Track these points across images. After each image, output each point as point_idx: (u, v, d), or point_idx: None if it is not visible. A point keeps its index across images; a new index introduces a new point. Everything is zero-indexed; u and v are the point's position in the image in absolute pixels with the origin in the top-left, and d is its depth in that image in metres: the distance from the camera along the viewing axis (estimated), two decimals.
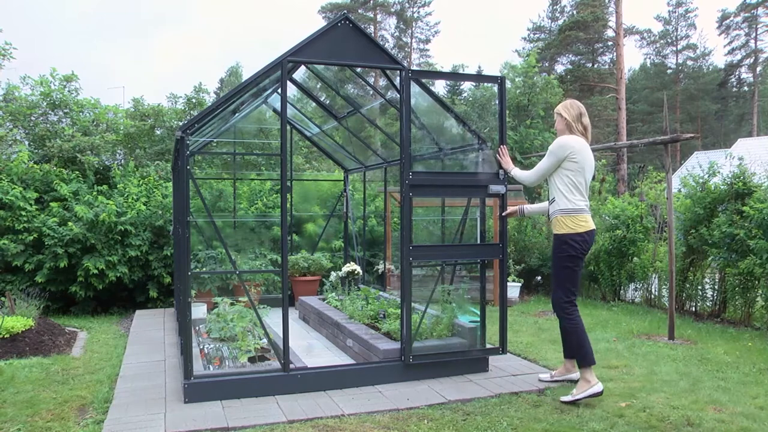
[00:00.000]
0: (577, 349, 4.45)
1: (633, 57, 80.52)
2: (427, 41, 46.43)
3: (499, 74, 4.69)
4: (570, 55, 39.08)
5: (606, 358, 5.61)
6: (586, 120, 4.58)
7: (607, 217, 9.70)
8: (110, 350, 6.08)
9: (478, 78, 4.71)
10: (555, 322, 7.61)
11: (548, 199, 4.66)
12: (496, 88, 5.95)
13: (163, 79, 66.27)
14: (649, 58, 50.49)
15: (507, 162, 4.92)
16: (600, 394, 4.30)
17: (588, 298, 9.77)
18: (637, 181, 13.83)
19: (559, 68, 38.65)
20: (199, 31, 74.56)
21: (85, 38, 70.24)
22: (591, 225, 4.45)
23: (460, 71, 42.90)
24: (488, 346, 5.19)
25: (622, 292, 9.52)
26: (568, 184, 4.43)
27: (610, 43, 35.68)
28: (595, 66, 38.76)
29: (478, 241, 5.48)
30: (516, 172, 4.86)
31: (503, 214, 4.97)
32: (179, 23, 78.85)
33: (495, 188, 4.96)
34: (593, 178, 12.28)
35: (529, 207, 5.15)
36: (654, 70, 49.40)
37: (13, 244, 7.80)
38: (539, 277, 10.61)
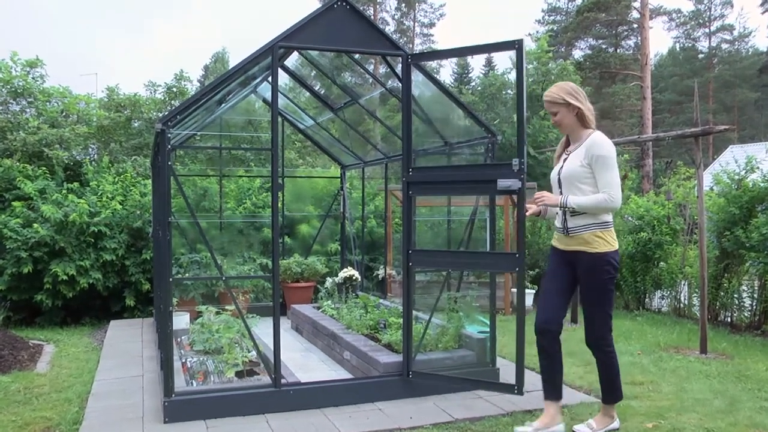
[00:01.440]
0: (614, 380, 4.16)
1: (660, 40, 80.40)
2: (431, 25, 46.50)
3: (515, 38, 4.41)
4: (589, 39, 39.12)
5: (630, 373, 5.63)
6: (590, 104, 4.14)
7: (629, 218, 9.73)
8: (81, 365, 6.10)
9: (490, 48, 4.40)
10: (570, 333, 7.65)
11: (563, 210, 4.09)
12: (513, 59, 5.91)
13: (140, 66, 66.31)
14: (679, 41, 50.44)
15: (552, 198, 4.12)
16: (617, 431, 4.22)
17: None
18: (663, 178, 13.87)
19: (577, 54, 38.71)
20: (181, 13, 74.62)
21: (51, 20, 70.24)
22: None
23: (468, 59, 42.97)
24: (498, 359, 5.22)
25: (647, 300, 9.56)
26: (592, 191, 3.96)
27: (634, 25, 35.68)
28: (618, 51, 38.79)
29: (488, 249, 5.34)
30: (579, 200, 3.97)
31: (526, 213, 4.30)
32: (159, 4, 78.93)
33: (505, 183, 4.30)
34: None
35: (579, 199, 4.21)
36: (684, 55, 49.37)
37: None
38: None
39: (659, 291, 9.43)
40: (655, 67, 45.19)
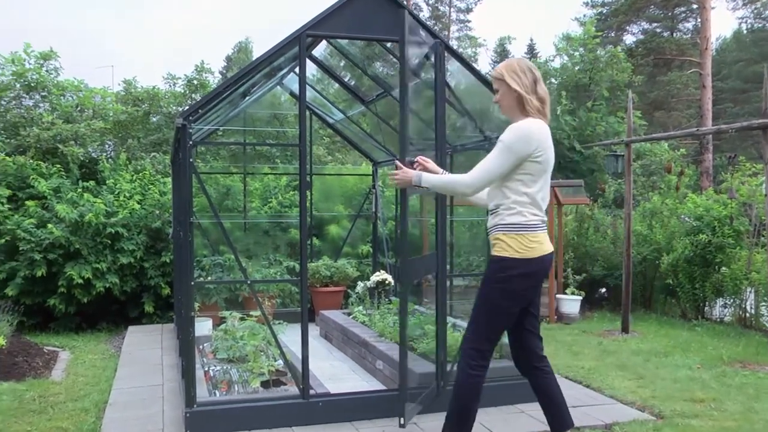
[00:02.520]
0: (453, 405, 3.86)
1: (723, 23, 78.72)
2: (468, 10, 46.32)
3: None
4: (642, 23, 38.56)
5: (688, 390, 5.56)
6: (543, 88, 3.74)
7: (686, 219, 9.61)
8: (98, 373, 6.23)
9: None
10: (623, 343, 7.60)
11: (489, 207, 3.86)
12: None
13: (158, 57, 67.24)
14: (745, 22, 49.25)
15: (406, 172, 3.91)
16: None
17: (664, 315, 9.70)
18: (725, 175, 13.66)
19: (629, 39, 38.21)
20: (201, 1, 75.49)
21: (66, 10, 71.62)
22: (547, 247, 3.70)
23: (507, 45, 42.81)
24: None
25: (706, 308, 9.42)
26: (523, 191, 3.64)
27: (693, 6, 35.06)
28: (674, 35, 38.20)
29: None
30: (432, 178, 3.86)
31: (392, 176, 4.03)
32: None
33: None
34: (668, 171, 12.18)
35: (433, 177, 3.90)
36: (751, 38, 48.23)
37: None
38: (603, 290, 10.56)
39: (721, 299, 9.28)
40: (716, 52, 44.31)
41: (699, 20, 27.79)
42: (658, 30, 38.85)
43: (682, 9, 37.11)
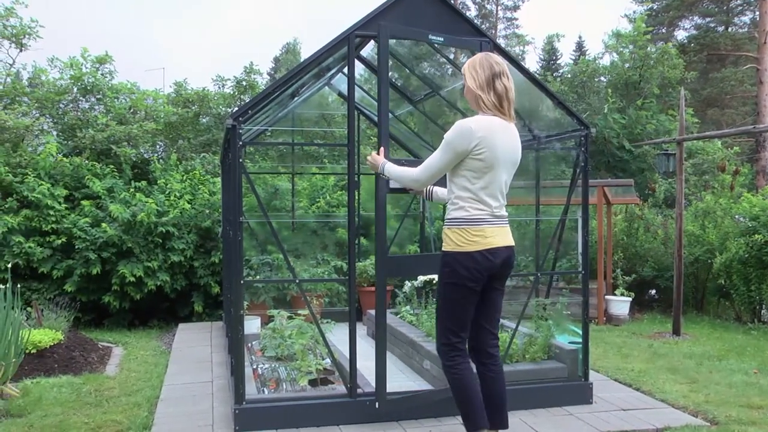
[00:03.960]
0: (461, 405, 3.82)
1: None
2: (515, 8, 45.90)
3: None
4: (695, 18, 37.69)
5: (745, 395, 5.42)
6: (504, 84, 3.68)
7: (741, 219, 9.39)
8: (149, 369, 6.37)
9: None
10: (674, 345, 7.46)
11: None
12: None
13: (208, 59, 68.16)
14: None
15: (375, 157, 4.19)
16: None
17: (717, 318, 9.49)
18: None
19: (681, 35, 37.40)
20: (250, 2, 76.38)
21: (119, 14, 73.18)
22: (495, 241, 3.70)
23: (555, 42, 42.30)
24: (592, 373, 5.15)
25: (763, 311, 9.19)
26: (467, 188, 3.69)
27: None
28: (729, 30, 37.25)
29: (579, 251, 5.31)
30: (391, 168, 4.03)
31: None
32: None
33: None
34: (722, 170, 11.90)
35: (392, 168, 4.06)
36: None
37: (39, 248, 8.25)
38: (654, 291, 10.38)
39: None
40: None
41: (757, 12, 27.02)
42: (712, 25, 37.87)
43: (738, 2, 36.04)
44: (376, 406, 4.59)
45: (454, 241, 3.70)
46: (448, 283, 3.75)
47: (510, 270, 3.82)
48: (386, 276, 4.67)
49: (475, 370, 3.87)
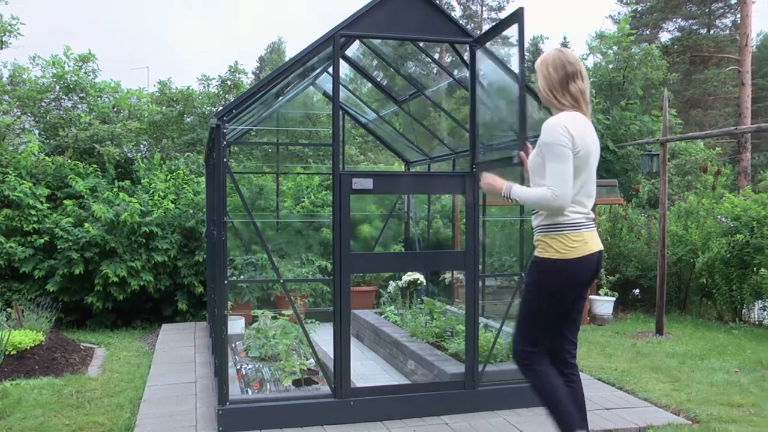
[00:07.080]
0: (551, 409, 3.62)
1: (763, 17, 76.74)
2: (500, 8, 46.02)
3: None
4: (678, 20, 38.00)
5: (726, 393, 5.47)
6: (578, 86, 3.56)
7: (723, 219, 9.46)
8: (132, 370, 6.32)
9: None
10: (657, 345, 7.51)
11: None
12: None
13: (192, 58, 67.93)
14: None
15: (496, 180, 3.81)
16: None
17: (699, 317, 9.55)
18: (765, 173, 13.42)
19: (664, 36, 37.65)
20: (233, 1, 76.08)
21: (102, 12, 72.69)
22: (592, 246, 3.54)
23: (539, 44, 42.48)
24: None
25: (744, 311, 9.27)
26: None
27: (732, 1, 34.48)
28: (712, 32, 37.56)
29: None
30: (520, 191, 3.64)
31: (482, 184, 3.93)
32: None
33: (360, 183, 4.64)
34: (704, 171, 11.98)
35: (522, 191, 3.65)
36: None
37: (21, 248, 8.17)
38: (637, 291, 10.44)
39: (759, 301, 9.13)
40: (757, 48, 43.40)
41: (738, 15, 27.26)
42: (695, 27, 38.19)
43: (720, 5, 36.38)
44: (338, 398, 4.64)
45: (553, 248, 3.50)
46: (543, 291, 3.57)
47: (597, 275, 3.65)
48: (349, 273, 4.71)
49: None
